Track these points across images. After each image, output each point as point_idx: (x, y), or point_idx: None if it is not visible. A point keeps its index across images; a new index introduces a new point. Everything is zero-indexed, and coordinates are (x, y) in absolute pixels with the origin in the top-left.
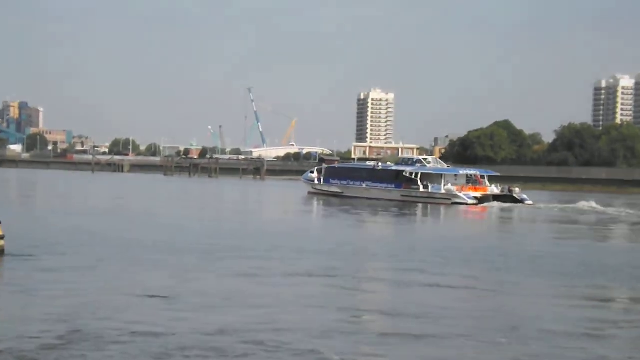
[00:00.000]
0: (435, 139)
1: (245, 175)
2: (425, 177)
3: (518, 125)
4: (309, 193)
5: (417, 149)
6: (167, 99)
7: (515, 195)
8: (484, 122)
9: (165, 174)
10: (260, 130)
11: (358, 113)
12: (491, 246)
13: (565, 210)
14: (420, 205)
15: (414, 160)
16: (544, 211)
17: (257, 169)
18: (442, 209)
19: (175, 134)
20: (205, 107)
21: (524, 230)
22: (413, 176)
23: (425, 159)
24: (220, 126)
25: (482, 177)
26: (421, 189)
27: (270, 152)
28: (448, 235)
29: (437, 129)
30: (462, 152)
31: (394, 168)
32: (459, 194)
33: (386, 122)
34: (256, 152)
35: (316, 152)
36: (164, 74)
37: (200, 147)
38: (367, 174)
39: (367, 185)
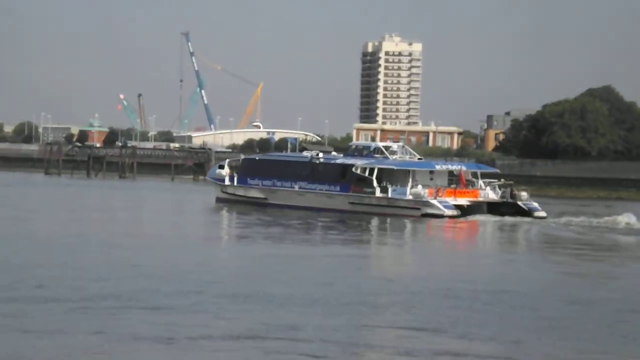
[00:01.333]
0: (489, 118)
1: (180, 175)
2: (385, 175)
3: (627, 94)
4: (218, 200)
5: (459, 133)
6: (50, 49)
7: (520, 204)
8: (570, 91)
9: (46, 173)
10: (205, 102)
11: (363, 76)
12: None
13: (598, 227)
14: (374, 218)
15: (371, 148)
16: (563, 229)
17: (199, 164)
18: (408, 224)
19: (64, 107)
20: (114, 64)
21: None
22: (366, 173)
23: (387, 147)
24: (140, 95)
25: (474, 175)
26: (377, 193)
27: (222, 139)
28: (424, 275)
29: (492, 102)
30: (533, 138)
31: (340, 161)
32: (433, 201)
33: (409, 90)
34: (199, 138)
35: (295, 139)
36: (43, 12)
37: (107, 130)
38: (302, 169)
39: (300, 188)
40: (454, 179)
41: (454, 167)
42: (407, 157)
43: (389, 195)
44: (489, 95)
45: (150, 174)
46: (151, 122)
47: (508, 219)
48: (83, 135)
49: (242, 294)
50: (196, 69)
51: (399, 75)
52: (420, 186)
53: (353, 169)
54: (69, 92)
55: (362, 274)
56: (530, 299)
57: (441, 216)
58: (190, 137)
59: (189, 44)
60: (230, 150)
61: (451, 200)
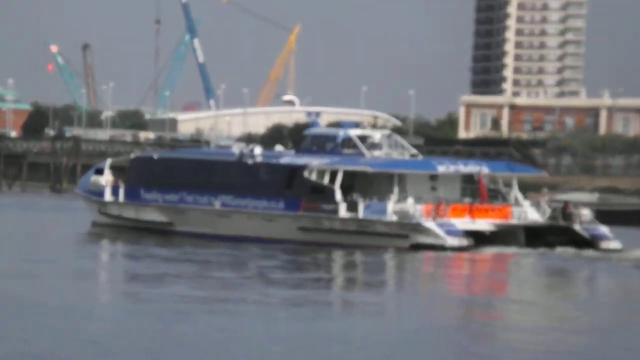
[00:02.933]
0: None
1: None
2: (358, 183)
3: None
4: (95, 225)
5: None
6: None
7: (577, 229)
8: None
9: None
10: (201, 60)
11: (481, 10)
12: None
13: None
14: (336, 253)
15: (337, 139)
16: None
17: None
18: (388, 263)
19: None
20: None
21: None
22: (325, 180)
23: (365, 138)
24: (86, 47)
25: (505, 181)
26: (342, 212)
27: (230, 123)
28: None
29: None
30: None
31: (286, 161)
32: (428, 225)
33: (563, 34)
34: (189, 123)
35: (356, 123)
36: None
37: (28, 107)
38: (226, 175)
39: (223, 205)
40: (469, 187)
41: (471, 168)
42: (395, 154)
43: (360, 214)
44: None
45: None
46: (106, 95)
47: (559, 252)
48: None
49: None
50: (183, 0)
51: (545, 7)
52: (410, 199)
53: (305, 173)
54: None
55: None
56: None
57: (441, 248)
58: (174, 122)
59: None
60: (244, 143)
61: (461, 223)
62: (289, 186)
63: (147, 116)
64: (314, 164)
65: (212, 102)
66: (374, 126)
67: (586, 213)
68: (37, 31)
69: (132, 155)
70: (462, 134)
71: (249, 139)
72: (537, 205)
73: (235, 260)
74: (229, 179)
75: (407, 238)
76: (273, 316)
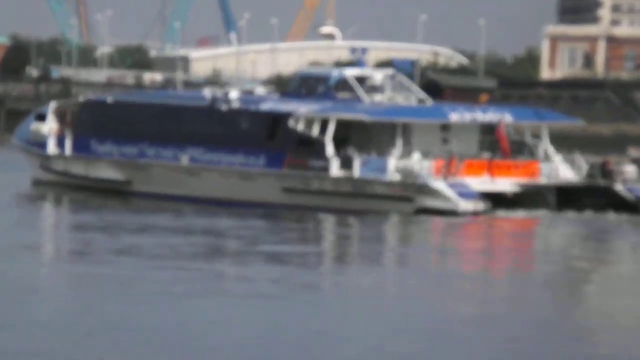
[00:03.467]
0: None
1: None
2: (354, 134)
3: None
4: (35, 183)
5: None
6: None
7: (618, 189)
8: None
9: None
10: None
11: None
12: None
13: None
14: (328, 219)
15: (329, 81)
16: None
17: None
18: (388, 229)
19: None
20: None
21: None
22: (314, 130)
23: (363, 79)
24: None
25: (533, 131)
26: (334, 170)
27: (255, 63)
28: None
29: None
30: None
31: (267, 108)
32: (436, 185)
33: None
34: (204, 62)
35: (412, 62)
36: None
37: (5, 41)
38: (195, 124)
39: (192, 161)
40: (489, 139)
41: (491, 116)
42: (399, 98)
43: (355, 173)
44: None
45: None
46: (102, 27)
47: (596, 217)
48: None
49: None
50: None
51: None
52: (416, 155)
53: (290, 122)
54: None
55: None
56: None
57: (452, 213)
58: (186, 60)
59: None
60: (273, 87)
61: (477, 183)
62: (270, 138)
63: (153, 53)
64: (301, 111)
65: (232, 35)
66: (435, 64)
67: (631, 170)
68: None
69: (82, 98)
70: (546, 73)
71: (278, 81)
72: (574, 162)
73: (204, 228)
74: (199, 129)
75: (411, 201)
76: (248, 301)
